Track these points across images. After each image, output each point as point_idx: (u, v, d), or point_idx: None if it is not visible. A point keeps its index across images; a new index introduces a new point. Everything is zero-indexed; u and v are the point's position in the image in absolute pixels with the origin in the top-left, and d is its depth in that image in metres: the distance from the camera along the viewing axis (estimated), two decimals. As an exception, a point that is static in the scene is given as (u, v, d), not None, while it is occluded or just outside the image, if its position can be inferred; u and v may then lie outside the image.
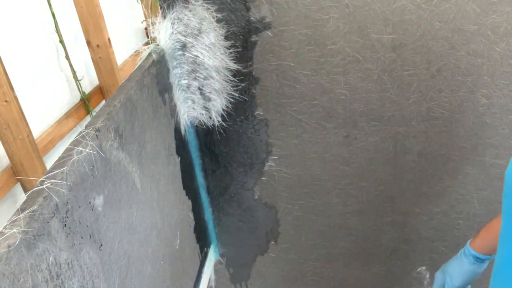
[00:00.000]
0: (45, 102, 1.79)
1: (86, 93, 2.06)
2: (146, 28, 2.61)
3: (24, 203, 0.40)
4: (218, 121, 0.85)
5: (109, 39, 2.00)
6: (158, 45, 0.73)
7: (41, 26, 1.77)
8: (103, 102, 2.17)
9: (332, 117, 0.83)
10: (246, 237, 1.03)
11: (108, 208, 0.52)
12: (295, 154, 0.88)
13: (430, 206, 0.91)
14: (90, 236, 0.48)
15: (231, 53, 0.78)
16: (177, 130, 0.79)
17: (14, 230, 0.37)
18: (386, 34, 0.73)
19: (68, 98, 1.95)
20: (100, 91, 2.15)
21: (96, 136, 0.50)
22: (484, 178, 0.86)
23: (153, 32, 0.73)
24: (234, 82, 0.81)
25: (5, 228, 0.37)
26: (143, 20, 2.57)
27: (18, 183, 1.58)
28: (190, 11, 0.74)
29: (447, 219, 0.93)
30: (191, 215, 0.88)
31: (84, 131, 0.50)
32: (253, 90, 0.82)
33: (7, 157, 1.52)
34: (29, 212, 0.39)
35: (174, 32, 0.75)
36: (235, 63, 0.79)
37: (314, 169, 0.90)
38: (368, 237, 0.98)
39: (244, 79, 0.81)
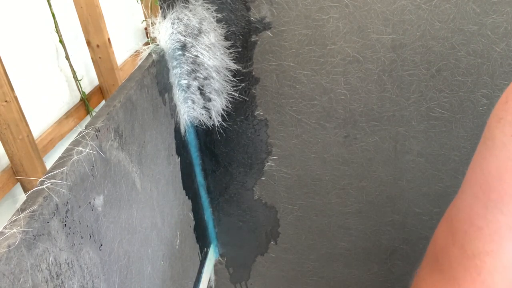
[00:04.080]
0: (45, 102, 1.80)
1: (86, 93, 2.06)
2: (146, 28, 2.61)
3: (24, 203, 0.40)
4: (218, 121, 0.85)
5: (109, 39, 2.00)
6: (158, 45, 0.73)
7: (41, 26, 1.77)
8: (103, 102, 2.17)
9: (332, 117, 0.83)
10: (246, 237, 1.03)
11: (108, 208, 0.52)
12: (295, 154, 0.88)
13: (430, 206, 0.91)
14: (90, 236, 0.48)
15: (231, 53, 0.78)
16: (177, 130, 0.79)
17: (14, 230, 0.37)
18: (386, 34, 0.73)
19: (68, 98, 1.95)
20: (100, 91, 2.15)
21: (96, 136, 0.50)
22: (484, 178, 0.86)
23: (153, 32, 0.73)
24: (234, 82, 0.81)
25: (5, 228, 0.37)
26: (143, 20, 2.58)
27: (18, 183, 1.58)
28: (190, 11, 0.74)
29: (447, 219, 0.93)
30: (191, 215, 0.88)
31: (84, 131, 0.50)
32: (253, 90, 0.82)
33: (7, 157, 1.52)
34: (29, 212, 0.39)
35: (174, 32, 0.75)
36: (235, 63, 0.79)
37: (314, 169, 0.90)
38: (368, 237, 0.98)
39: (244, 79, 0.81)
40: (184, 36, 0.76)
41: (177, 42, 0.76)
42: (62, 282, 0.42)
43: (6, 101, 1.41)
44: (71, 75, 1.94)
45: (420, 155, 0.85)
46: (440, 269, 0.46)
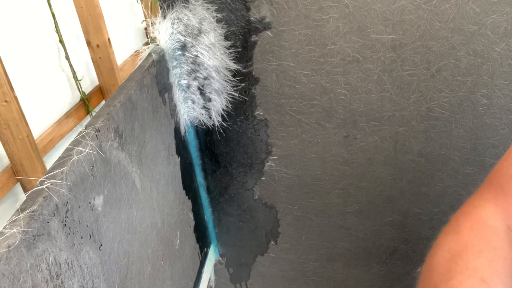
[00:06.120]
0: (45, 102, 1.80)
1: (86, 93, 2.06)
2: (146, 28, 2.61)
3: (24, 203, 0.40)
4: (218, 121, 0.85)
5: (109, 39, 2.00)
6: (158, 45, 0.73)
7: (41, 26, 1.77)
8: (103, 102, 2.17)
9: (332, 117, 0.83)
10: (246, 237, 1.03)
11: (108, 208, 0.52)
12: (295, 154, 0.88)
13: (430, 206, 0.91)
14: (90, 236, 0.48)
15: (231, 53, 0.78)
16: (177, 130, 0.79)
17: (14, 230, 0.37)
18: (386, 34, 0.73)
19: (68, 98, 1.95)
20: (100, 91, 2.15)
21: (96, 136, 0.50)
22: (484, 178, 0.86)
23: (153, 32, 0.73)
24: (234, 82, 0.81)
25: (5, 228, 0.37)
26: (143, 20, 2.58)
27: (18, 183, 1.58)
28: (190, 11, 0.74)
29: (447, 219, 0.92)
30: (191, 215, 0.88)
31: (84, 131, 0.50)
32: (253, 90, 0.82)
33: (7, 157, 1.52)
34: (29, 212, 0.39)
35: (174, 32, 0.75)
36: (235, 63, 0.79)
37: (314, 169, 0.90)
38: (368, 237, 0.98)
39: (244, 79, 0.81)
40: (184, 36, 0.76)
41: (177, 42, 0.76)
42: (62, 282, 0.42)
43: (6, 101, 1.41)
44: (71, 75, 1.94)
45: (420, 155, 0.85)
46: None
